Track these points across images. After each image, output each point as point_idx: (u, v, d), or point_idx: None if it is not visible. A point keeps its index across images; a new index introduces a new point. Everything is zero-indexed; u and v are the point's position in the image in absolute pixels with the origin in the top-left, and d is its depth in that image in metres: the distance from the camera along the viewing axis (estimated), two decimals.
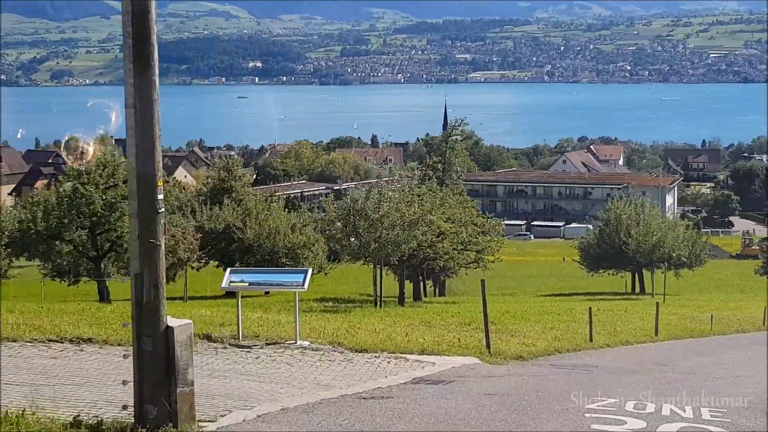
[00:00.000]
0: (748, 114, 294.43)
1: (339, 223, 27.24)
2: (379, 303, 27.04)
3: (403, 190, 29.11)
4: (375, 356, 13.33)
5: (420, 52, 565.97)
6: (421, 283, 48.29)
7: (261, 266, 49.46)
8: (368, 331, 15.93)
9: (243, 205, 47.60)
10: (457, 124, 58.87)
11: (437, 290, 51.42)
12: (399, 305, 31.19)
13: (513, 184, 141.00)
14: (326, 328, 15.95)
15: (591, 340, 18.41)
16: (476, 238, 37.72)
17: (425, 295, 46.97)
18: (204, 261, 44.88)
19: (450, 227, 32.64)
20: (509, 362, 14.79)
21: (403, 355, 13.59)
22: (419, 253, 32.98)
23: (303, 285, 13.72)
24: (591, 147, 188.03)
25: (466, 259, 38.34)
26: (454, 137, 60.03)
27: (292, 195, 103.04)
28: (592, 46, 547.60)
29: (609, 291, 49.02)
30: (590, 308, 19.16)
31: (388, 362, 12.93)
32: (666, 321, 21.68)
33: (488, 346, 15.30)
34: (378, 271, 27.80)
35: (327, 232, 29.60)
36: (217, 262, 47.91)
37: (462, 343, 15.63)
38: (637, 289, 49.56)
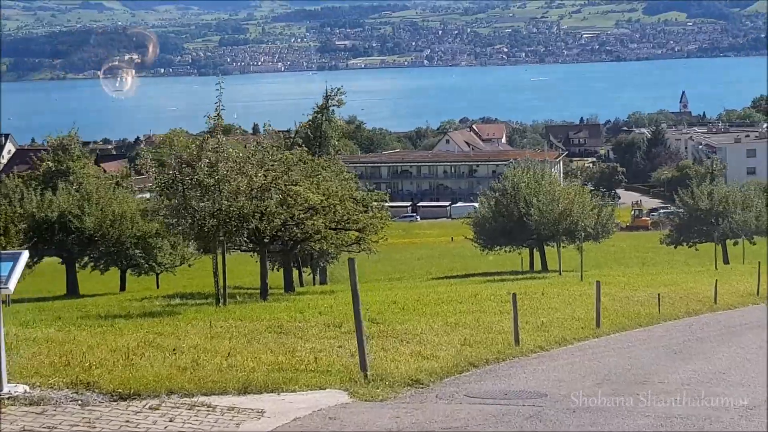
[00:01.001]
0: (623, 91, 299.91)
1: (171, 198, 20.41)
2: (222, 300, 20.52)
3: (254, 154, 22.46)
4: (149, 407, 7.00)
5: (299, 40, 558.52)
6: (297, 271, 42.30)
7: (107, 259, 42.69)
8: (166, 351, 9.52)
9: (83, 189, 40.52)
10: (332, 93, 52.50)
11: (317, 278, 45.62)
12: (261, 299, 24.83)
13: (397, 164, 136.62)
14: (110, 345, 9.48)
15: (517, 343, 12.49)
16: (356, 215, 31.60)
17: (301, 285, 41.05)
18: (36, 257, 37.62)
19: (321, 201, 26.38)
20: (399, 394, 8.74)
21: (208, 400, 7.32)
22: (284, 234, 26.64)
23: (7, 284, 7.25)
24: (473, 127, 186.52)
25: (344, 240, 32.19)
26: (331, 107, 53.60)
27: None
28: (469, 30, 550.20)
29: (507, 270, 43.95)
30: (514, 295, 13.21)
31: (170, 420, 6.62)
32: (601, 306, 15.95)
33: (364, 367, 9.19)
34: (219, 257, 21.20)
35: (154, 211, 22.82)
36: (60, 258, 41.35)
37: (322, 364, 9.53)
38: (537, 266, 44.59)
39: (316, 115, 55.96)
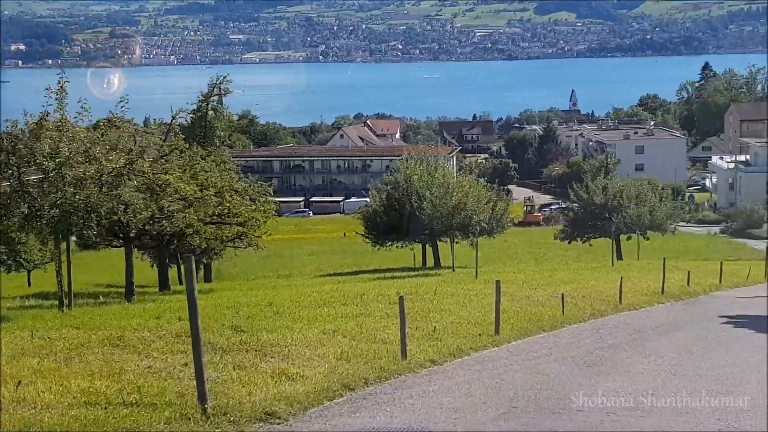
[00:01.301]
0: (514, 89, 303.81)
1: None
2: (67, 303, 17.80)
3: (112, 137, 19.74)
4: None
5: (193, 33, 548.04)
6: (174, 268, 39.71)
7: None
8: None
9: None
10: (218, 82, 49.70)
11: (203, 275, 43.16)
12: (125, 300, 22.20)
13: (290, 158, 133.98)
14: None
15: (405, 356, 10.41)
16: (238, 208, 29.14)
17: (180, 283, 38.37)
18: None
19: (194, 191, 23.81)
20: None
21: None
22: (152, 228, 24.00)
23: None
24: (368, 122, 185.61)
25: (224, 235, 29.70)
26: (216, 95, 50.79)
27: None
28: (364, 26, 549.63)
29: (399, 266, 42.12)
30: (402, 299, 11.06)
31: None
32: (501, 307, 14.06)
33: (203, 398, 6.95)
34: (61, 254, 18.42)
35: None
36: None
37: (149, 393, 7.16)
38: (431, 262, 42.84)
39: (200, 103, 53.08)
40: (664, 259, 22.92)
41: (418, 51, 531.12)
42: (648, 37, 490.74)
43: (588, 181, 46.34)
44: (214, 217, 28.16)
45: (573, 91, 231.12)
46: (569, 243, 48.97)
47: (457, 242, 40.14)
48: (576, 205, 46.98)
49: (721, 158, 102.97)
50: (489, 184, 42.47)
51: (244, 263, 50.38)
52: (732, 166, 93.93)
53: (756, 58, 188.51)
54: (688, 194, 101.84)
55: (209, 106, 53.32)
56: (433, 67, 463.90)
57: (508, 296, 17.72)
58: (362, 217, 43.32)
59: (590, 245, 48.22)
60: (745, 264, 36.94)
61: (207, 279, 43.76)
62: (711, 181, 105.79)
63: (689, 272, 24.10)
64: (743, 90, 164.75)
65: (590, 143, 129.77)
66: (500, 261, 46.43)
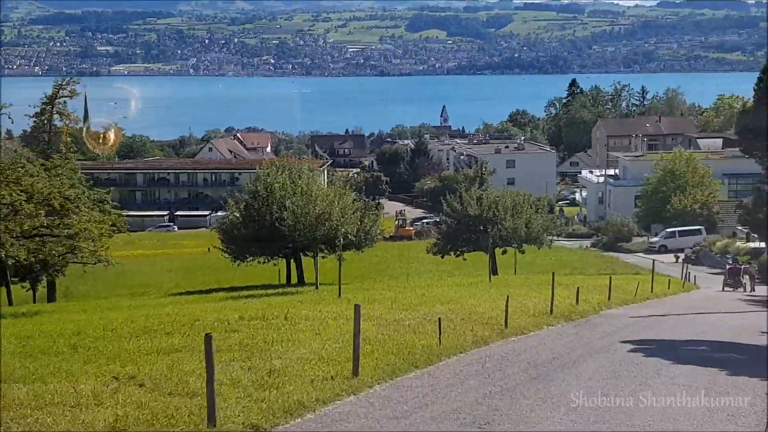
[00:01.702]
0: (387, 105, 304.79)
1: None
2: None
3: None
4: None
5: (59, 44, 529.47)
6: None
7: None
8: None
9: None
10: (63, 83, 45.21)
11: (46, 293, 38.99)
12: None
13: (154, 171, 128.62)
14: None
15: (213, 422, 7.07)
16: (69, 219, 25.21)
17: (10, 303, 34.01)
18: None
19: (16, 200, 19.89)
20: None
21: None
22: None
23: None
24: (238, 135, 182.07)
25: (49, 249, 25.62)
26: (61, 99, 46.19)
27: None
28: (236, 40, 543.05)
29: (261, 284, 38.60)
30: (208, 338, 7.68)
31: None
32: (365, 335, 10.97)
33: None
34: None
35: None
36: None
37: None
38: (294, 279, 39.45)
39: (44, 107, 48.49)
40: (553, 274, 20.21)
41: (290, 66, 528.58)
42: (516, 55, 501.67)
43: (462, 192, 43.88)
44: (38, 230, 24.12)
45: (444, 107, 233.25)
46: (442, 257, 46.43)
47: (323, 256, 37.06)
48: (449, 217, 44.43)
49: (591, 172, 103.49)
50: (359, 195, 39.28)
51: (98, 280, 46.49)
52: (601, 180, 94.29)
53: (618, 77, 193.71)
54: (558, 208, 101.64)
55: (54, 110, 48.61)
56: (306, 82, 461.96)
57: (374, 320, 14.64)
58: (219, 231, 39.56)
59: (464, 259, 45.81)
60: (627, 278, 35.11)
61: (51, 298, 39.34)
62: (581, 195, 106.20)
63: (578, 288, 21.55)
64: (609, 107, 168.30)
65: (462, 157, 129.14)
66: (370, 277, 43.68)
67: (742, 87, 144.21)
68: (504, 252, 44.93)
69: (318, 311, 17.12)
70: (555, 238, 53.36)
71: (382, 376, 10.13)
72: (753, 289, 40.42)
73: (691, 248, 62.62)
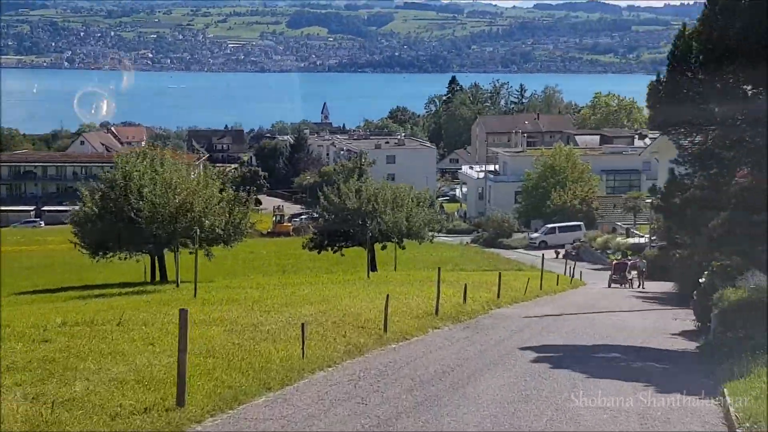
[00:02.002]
0: (266, 101, 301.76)
1: None
2: None
3: None
4: None
5: None
6: None
7: None
8: None
9: None
10: None
11: None
12: None
13: (20, 164, 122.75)
14: None
15: None
16: None
17: None
18: None
19: None
20: None
21: None
22: None
23: None
24: (112, 129, 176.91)
25: None
26: None
27: None
28: (113, 33, 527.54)
29: (120, 282, 35.25)
30: None
31: None
32: (210, 344, 8.34)
33: None
34: None
35: None
36: None
37: None
38: (159, 276, 36.21)
39: None
40: (439, 269, 17.96)
41: (169, 60, 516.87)
42: (396, 54, 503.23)
43: (340, 184, 41.45)
44: None
45: (325, 104, 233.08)
46: (319, 253, 43.91)
47: (191, 252, 34.14)
48: (326, 211, 41.90)
49: (471, 168, 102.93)
50: (226, 186, 36.19)
51: None
52: (482, 175, 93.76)
53: (496, 77, 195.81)
54: (438, 204, 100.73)
55: None
56: (185, 77, 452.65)
57: (227, 325, 12.04)
58: (72, 224, 35.91)
59: (342, 255, 43.46)
60: (513, 275, 33.40)
61: None
62: (461, 191, 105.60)
63: (466, 286, 19.34)
64: (488, 104, 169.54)
65: (342, 152, 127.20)
66: (244, 274, 40.96)
67: (615, 88, 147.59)
68: (384, 247, 42.78)
69: (162, 315, 14.37)
70: (437, 234, 51.64)
71: (219, 405, 7.57)
72: (642, 285, 39.36)
73: (572, 244, 62.14)
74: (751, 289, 14.77)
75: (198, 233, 25.06)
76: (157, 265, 36.02)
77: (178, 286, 26.57)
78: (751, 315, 12.84)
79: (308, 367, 9.92)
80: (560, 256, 55.79)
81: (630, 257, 45.92)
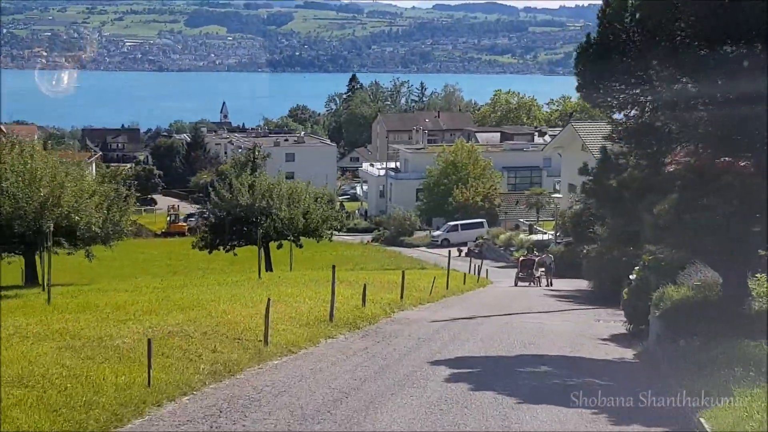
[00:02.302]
0: (164, 100, 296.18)
1: None
2: None
3: None
4: None
5: None
6: None
7: None
8: None
9: None
10: None
11: None
12: None
13: None
14: None
15: None
16: None
17: None
18: None
19: None
20: None
21: None
22: None
23: None
24: (1, 128, 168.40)
25: None
26: None
27: None
28: (5, 30, 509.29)
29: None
30: None
31: None
32: (29, 368, 5.82)
33: None
34: None
35: None
36: None
37: None
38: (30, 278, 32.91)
39: None
40: (334, 267, 15.62)
41: (64, 58, 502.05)
42: (297, 53, 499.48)
43: (232, 179, 38.75)
44: None
45: (224, 103, 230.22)
46: (210, 253, 41.06)
47: (70, 253, 31.15)
48: (217, 208, 39.10)
49: (372, 165, 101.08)
50: (104, 179, 33.19)
51: None
52: (382, 173, 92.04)
53: (397, 77, 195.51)
54: (339, 202, 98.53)
55: None
56: (81, 76, 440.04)
57: (64, 340, 9.37)
58: None
59: (235, 254, 40.74)
60: (416, 273, 31.33)
61: None
62: (362, 189, 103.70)
63: (365, 286, 17.05)
64: (389, 102, 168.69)
65: (240, 150, 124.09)
66: (132, 276, 37.89)
67: (514, 88, 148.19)
68: (280, 246, 40.21)
69: (38, 324, 11.62)
70: (336, 232, 49.44)
71: None
72: (550, 284, 37.61)
73: (474, 241, 60.82)
74: (696, 287, 12.95)
75: (51, 229, 22.07)
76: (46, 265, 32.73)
77: (44, 290, 23.56)
78: (703, 317, 10.94)
79: (153, 399, 7.52)
80: (463, 254, 54.33)
81: (536, 253, 44.35)
